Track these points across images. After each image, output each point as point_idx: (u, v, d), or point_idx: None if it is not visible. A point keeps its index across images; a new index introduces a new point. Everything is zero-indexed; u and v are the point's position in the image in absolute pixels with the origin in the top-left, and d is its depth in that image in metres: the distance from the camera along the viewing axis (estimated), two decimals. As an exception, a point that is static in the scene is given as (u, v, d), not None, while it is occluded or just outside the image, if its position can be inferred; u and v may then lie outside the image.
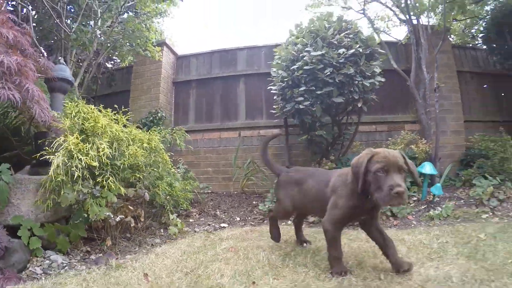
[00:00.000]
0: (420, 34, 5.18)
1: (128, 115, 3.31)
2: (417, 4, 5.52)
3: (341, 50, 3.81)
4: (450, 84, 5.62)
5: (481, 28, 6.80)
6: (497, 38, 5.81)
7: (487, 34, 6.03)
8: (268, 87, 4.82)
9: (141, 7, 5.62)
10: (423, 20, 5.65)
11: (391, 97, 5.68)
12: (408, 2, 5.34)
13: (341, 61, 3.78)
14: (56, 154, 2.47)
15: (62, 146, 2.47)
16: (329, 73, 3.72)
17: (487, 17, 6.40)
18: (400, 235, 2.85)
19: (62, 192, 2.45)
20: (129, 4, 5.26)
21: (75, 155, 2.47)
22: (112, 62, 7.08)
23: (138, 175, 2.88)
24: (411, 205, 3.94)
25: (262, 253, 2.44)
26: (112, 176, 2.65)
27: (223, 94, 6.20)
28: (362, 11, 6.07)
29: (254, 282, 1.88)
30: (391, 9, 6.08)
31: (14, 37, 2.61)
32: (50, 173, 2.42)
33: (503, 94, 6.24)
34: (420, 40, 5.17)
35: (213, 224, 3.75)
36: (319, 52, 3.78)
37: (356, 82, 3.81)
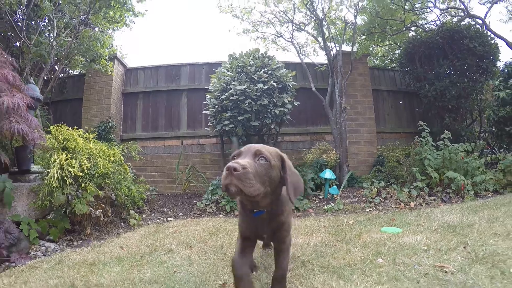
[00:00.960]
0: (338, 61, 6.71)
1: (85, 130, 4.39)
2: (337, 36, 7.14)
3: (259, 85, 5.23)
4: (366, 102, 7.21)
5: (396, 55, 8.70)
6: (409, 64, 7.45)
7: (400, 60, 7.72)
8: (203, 111, 6.11)
9: (97, 23, 6.48)
10: (344, 47, 7.17)
11: (314, 111, 7.21)
12: (326, 35, 6.88)
13: (258, 94, 5.21)
14: (51, 167, 3.58)
15: (56, 161, 3.59)
16: (247, 103, 5.14)
17: (401, 47, 8.12)
18: (297, 222, 4.12)
19: (55, 195, 3.56)
20: (83, 18, 6.01)
21: (65, 168, 3.60)
22: (65, 71, 7.81)
23: (107, 181, 4.06)
24: (316, 201, 5.39)
25: (197, 233, 3.79)
26: (90, 182, 3.81)
27: (167, 106, 7.37)
28: (290, 39, 7.56)
29: (191, 247, 3.22)
30: (316, 39, 7.59)
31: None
32: (46, 180, 3.54)
33: (417, 109, 7.82)
34: (335, 68, 6.69)
35: (162, 218, 5.01)
36: (242, 87, 5.18)
37: (269, 110, 5.28)
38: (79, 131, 4.17)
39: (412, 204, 4.80)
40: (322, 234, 3.45)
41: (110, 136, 6.40)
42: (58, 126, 3.92)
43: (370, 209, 4.81)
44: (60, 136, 3.79)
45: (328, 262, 2.42)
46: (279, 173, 1.66)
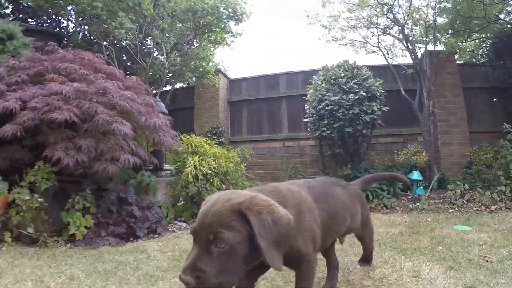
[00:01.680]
0: (424, 63, 6.92)
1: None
2: (422, 37, 7.28)
3: (350, 96, 5.97)
4: (457, 102, 7.11)
5: (486, 50, 8.48)
6: (497, 59, 7.34)
7: (489, 55, 7.62)
8: (303, 120, 7.00)
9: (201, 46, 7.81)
10: (430, 47, 7.20)
11: (406, 113, 7.29)
12: (410, 38, 7.14)
13: (350, 103, 5.95)
14: (187, 166, 4.80)
15: (191, 162, 4.81)
16: (341, 112, 5.92)
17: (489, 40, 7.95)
18: (382, 217, 4.80)
19: (190, 187, 4.76)
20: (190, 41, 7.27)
21: (198, 167, 4.80)
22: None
23: (228, 177, 5.21)
24: (404, 200, 5.90)
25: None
26: (215, 178, 4.98)
27: (269, 111, 8.41)
28: (376, 44, 7.84)
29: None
30: (401, 42, 7.72)
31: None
32: (183, 176, 4.76)
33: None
34: (421, 71, 6.81)
35: None
36: (336, 98, 5.98)
37: (360, 117, 5.99)
38: (202, 138, 5.39)
39: (493, 207, 5.02)
40: (401, 227, 4.09)
41: (220, 139, 7.65)
42: (188, 135, 5.17)
43: (452, 210, 5.12)
44: (192, 143, 5.02)
45: (398, 245, 3.12)
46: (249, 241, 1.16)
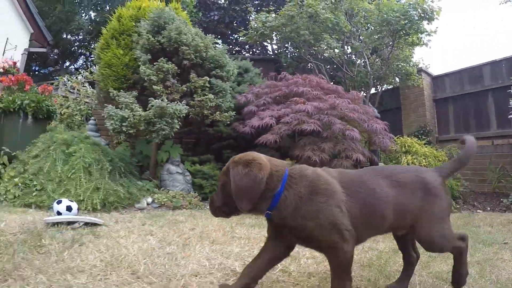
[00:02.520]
0: None
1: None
2: None
3: None
4: None
5: None
6: None
7: None
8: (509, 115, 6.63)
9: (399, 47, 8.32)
10: None
11: None
12: None
13: None
14: (401, 163, 5.59)
15: (404, 161, 5.57)
16: None
17: None
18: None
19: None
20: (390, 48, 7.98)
21: (410, 164, 5.53)
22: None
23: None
24: None
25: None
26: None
27: (475, 107, 8.14)
28: None
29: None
30: None
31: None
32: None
33: None
34: None
35: (471, 210, 6.00)
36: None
37: None
38: (413, 139, 6.06)
39: None
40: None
41: (428, 139, 8.01)
42: (401, 137, 5.95)
43: None
44: (405, 144, 5.79)
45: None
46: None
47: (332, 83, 6.90)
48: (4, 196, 4.01)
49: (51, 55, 13.07)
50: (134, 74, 5.41)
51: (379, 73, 8.31)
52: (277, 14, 8.29)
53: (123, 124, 4.42)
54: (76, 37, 14.18)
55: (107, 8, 13.52)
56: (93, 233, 2.73)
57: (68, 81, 6.96)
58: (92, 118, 6.64)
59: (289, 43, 9.02)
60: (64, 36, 13.14)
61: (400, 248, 1.99)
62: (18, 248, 2.20)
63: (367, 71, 8.25)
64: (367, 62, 8.36)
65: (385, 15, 7.14)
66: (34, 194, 3.96)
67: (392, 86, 9.71)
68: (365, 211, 1.63)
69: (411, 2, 7.24)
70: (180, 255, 2.30)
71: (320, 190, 1.57)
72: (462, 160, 1.95)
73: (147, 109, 4.49)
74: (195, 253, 2.38)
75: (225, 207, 1.68)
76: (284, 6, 8.11)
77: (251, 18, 11.97)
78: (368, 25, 7.87)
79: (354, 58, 8.75)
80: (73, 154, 4.35)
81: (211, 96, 4.76)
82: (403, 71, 8.30)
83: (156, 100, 4.31)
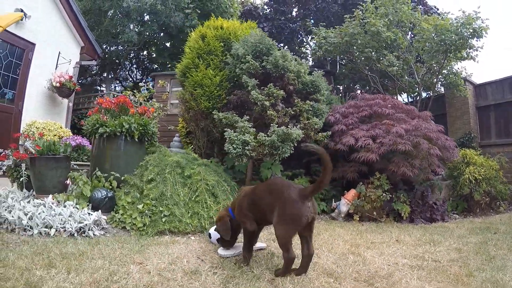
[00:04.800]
0: None
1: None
2: None
3: None
4: None
5: None
6: None
7: None
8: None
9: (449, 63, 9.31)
10: None
11: None
12: None
13: None
14: (464, 174, 6.54)
15: (467, 171, 6.52)
16: None
17: None
18: None
19: (465, 189, 6.47)
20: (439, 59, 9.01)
21: (472, 174, 6.48)
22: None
23: (490, 182, 6.66)
24: None
25: None
26: (483, 182, 6.51)
27: (515, 114, 9.17)
28: None
29: None
30: None
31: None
32: (460, 180, 6.52)
33: None
34: None
35: None
36: None
37: None
38: (471, 151, 7.00)
39: None
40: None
41: (472, 144, 8.96)
42: (462, 149, 6.89)
43: None
44: (466, 155, 6.75)
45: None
46: None
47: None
48: (130, 225, 4.07)
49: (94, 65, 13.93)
50: (231, 96, 6.00)
51: (427, 83, 9.22)
52: (334, 29, 9.19)
53: (246, 148, 5.03)
54: (116, 48, 15.19)
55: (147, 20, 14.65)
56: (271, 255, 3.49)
57: (133, 95, 7.57)
58: (177, 135, 7.30)
59: (345, 57, 9.90)
60: (104, 47, 14.01)
61: (301, 243, 2.90)
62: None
63: (416, 81, 9.16)
64: (415, 72, 9.25)
65: (442, 36, 8.03)
66: (163, 220, 4.05)
67: (437, 93, 10.62)
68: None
69: (462, 21, 8.13)
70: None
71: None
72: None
73: (268, 134, 5.22)
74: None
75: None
76: (344, 24, 9.00)
77: (299, 29, 12.76)
78: (425, 41, 8.71)
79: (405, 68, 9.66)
80: (189, 176, 4.64)
81: (316, 119, 5.69)
82: (450, 81, 9.22)
83: (281, 127, 5.11)
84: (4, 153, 5.26)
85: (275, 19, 14.49)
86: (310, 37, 15.21)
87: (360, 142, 5.76)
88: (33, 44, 8.32)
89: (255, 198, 3.05)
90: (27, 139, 5.97)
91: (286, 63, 5.68)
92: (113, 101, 5.30)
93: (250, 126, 5.28)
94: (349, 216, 5.81)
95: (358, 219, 5.65)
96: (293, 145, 5.21)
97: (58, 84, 8.48)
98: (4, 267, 2.62)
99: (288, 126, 5.27)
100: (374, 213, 5.66)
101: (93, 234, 3.79)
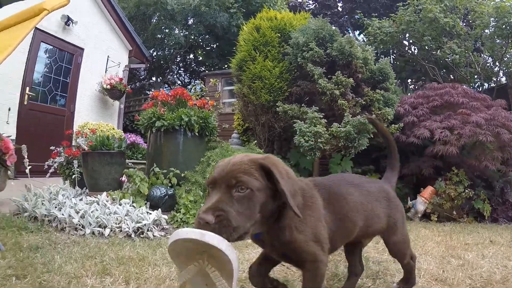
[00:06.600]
0: None
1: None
2: None
3: None
4: None
5: None
6: None
7: None
8: None
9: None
10: None
11: None
12: None
13: None
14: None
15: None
16: None
17: None
18: None
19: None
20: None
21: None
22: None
23: None
24: None
25: None
26: None
27: None
28: None
29: None
30: None
31: None
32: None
33: None
34: None
35: None
36: None
37: None
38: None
39: None
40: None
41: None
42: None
43: None
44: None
45: None
46: (268, 192, 1.37)
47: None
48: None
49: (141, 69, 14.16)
50: (294, 87, 5.86)
51: (488, 73, 8.83)
52: (390, 19, 8.92)
53: (319, 140, 4.88)
54: (163, 52, 15.36)
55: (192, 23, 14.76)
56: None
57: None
58: (235, 131, 7.23)
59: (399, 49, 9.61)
60: (151, 51, 14.30)
61: (347, 258, 2.15)
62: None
63: (476, 70, 8.77)
64: (474, 61, 8.87)
65: (505, 19, 7.64)
66: (229, 219, 4.01)
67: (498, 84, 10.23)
68: (340, 222, 1.69)
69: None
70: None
71: (307, 203, 1.55)
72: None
73: (342, 124, 5.03)
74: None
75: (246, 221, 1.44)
76: (398, 12, 8.72)
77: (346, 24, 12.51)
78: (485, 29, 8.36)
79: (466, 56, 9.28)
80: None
81: (388, 109, 5.46)
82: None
83: (356, 116, 4.98)
84: (56, 150, 5.22)
85: (321, 14, 14.36)
86: (358, 32, 14.90)
87: (437, 135, 5.43)
88: (82, 49, 8.59)
89: None
90: (80, 136, 5.88)
91: (352, 49, 5.42)
92: (169, 93, 4.97)
93: (321, 116, 5.11)
94: (424, 216, 5.45)
95: (436, 219, 5.28)
96: (369, 137, 5.00)
97: (109, 86, 8.64)
98: (48, 272, 2.23)
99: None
100: (454, 212, 5.29)
101: (153, 235, 3.51)
